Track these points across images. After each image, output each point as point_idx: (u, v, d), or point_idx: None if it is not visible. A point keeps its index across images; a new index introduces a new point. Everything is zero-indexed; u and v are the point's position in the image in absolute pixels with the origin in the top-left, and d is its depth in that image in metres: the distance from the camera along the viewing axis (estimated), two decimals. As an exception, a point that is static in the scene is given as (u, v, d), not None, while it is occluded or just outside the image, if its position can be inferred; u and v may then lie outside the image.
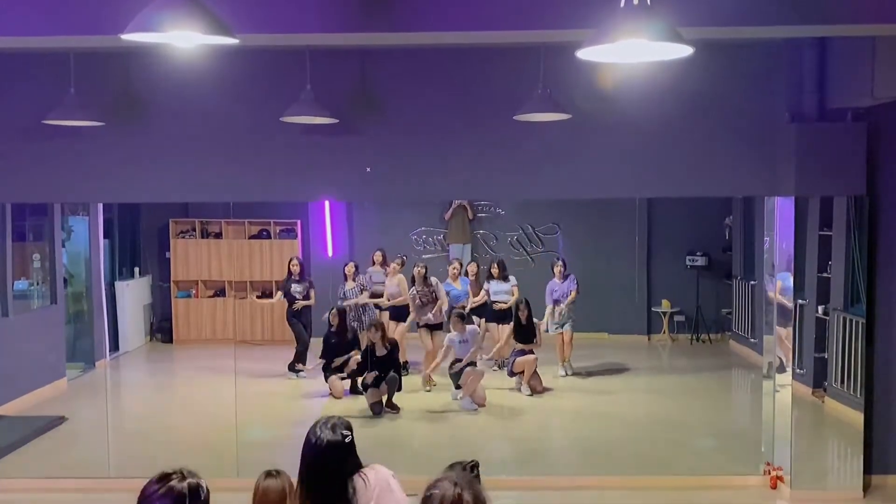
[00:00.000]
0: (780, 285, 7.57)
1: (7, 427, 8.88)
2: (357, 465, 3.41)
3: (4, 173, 7.42)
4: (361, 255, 11.56)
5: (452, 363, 9.73)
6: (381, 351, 9.59)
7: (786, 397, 7.54)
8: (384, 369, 9.48)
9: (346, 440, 3.37)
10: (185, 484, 2.63)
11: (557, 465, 8.17)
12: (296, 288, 10.98)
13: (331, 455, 3.32)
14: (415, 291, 10.57)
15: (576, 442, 8.96)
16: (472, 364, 9.67)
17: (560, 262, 10.92)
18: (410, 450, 8.48)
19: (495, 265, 10.95)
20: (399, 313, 10.84)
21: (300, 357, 10.94)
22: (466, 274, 11.14)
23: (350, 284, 10.90)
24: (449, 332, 9.91)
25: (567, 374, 10.85)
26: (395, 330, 10.84)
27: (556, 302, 10.72)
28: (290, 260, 11.27)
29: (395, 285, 10.82)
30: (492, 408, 9.62)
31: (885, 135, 7.25)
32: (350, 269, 10.94)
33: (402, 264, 11.01)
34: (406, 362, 10.98)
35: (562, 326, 10.73)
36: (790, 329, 7.61)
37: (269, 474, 3.67)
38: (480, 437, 8.81)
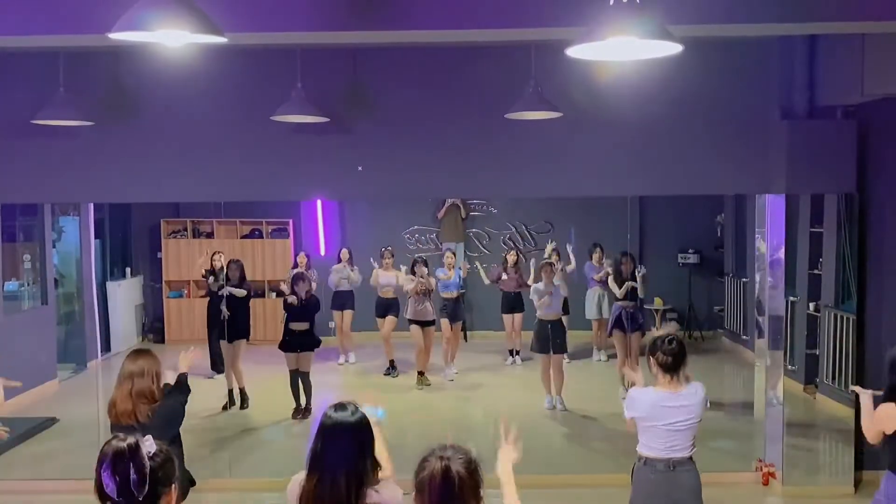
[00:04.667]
0: (771, 282, 7.58)
1: (-2, 428, 8.83)
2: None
3: (-6, 173, 7.39)
4: (355, 253, 11.53)
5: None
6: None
7: (777, 394, 7.57)
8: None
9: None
10: (124, 444, 2.53)
11: (550, 464, 8.16)
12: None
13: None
14: (413, 280, 10.40)
15: (569, 439, 8.96)
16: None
17: (598, 248, 10.91)
18: (402, 451, 8.44)
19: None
20: (387, 308, 10.87)
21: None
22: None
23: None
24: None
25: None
26: (384, 325, 10.84)
27: (602, 282, 10.59)
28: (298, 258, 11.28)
29: (391, 277, 10.83)
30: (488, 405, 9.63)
31: (875, 132, 7.28)
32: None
33: (392, 255, 11.06)
34: (392, 361, 10.97)
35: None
36: (782, 326, 7.63)
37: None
38: (478, 435, 8.79)
